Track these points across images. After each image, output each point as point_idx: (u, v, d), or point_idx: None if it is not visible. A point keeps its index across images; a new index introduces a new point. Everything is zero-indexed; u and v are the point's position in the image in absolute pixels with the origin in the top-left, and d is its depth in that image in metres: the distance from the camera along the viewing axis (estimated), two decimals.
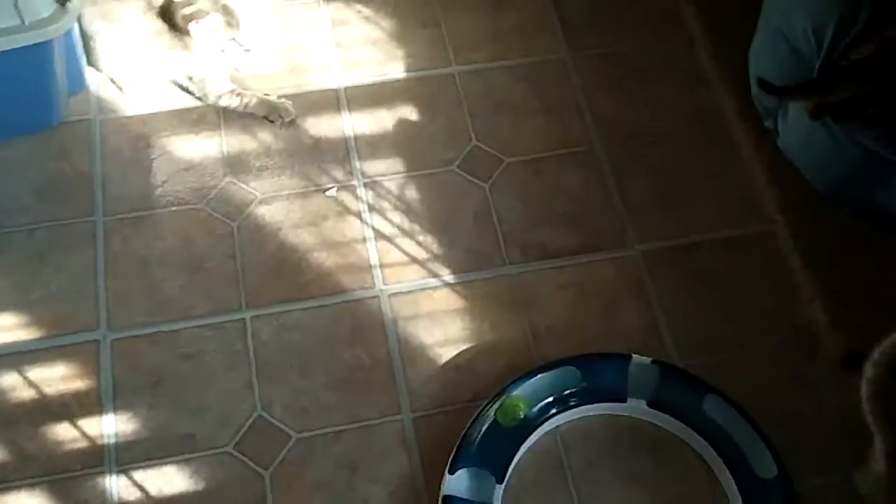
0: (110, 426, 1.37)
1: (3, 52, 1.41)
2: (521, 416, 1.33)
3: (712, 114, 1.70)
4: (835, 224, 1.55)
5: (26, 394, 1.39)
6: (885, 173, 1.48)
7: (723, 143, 1.67)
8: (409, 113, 1.69)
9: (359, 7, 1.81)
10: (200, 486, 1.33)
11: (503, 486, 1.29)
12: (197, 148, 1.63)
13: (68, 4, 1.42)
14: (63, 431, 1.36)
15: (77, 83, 1.66)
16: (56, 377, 1.40)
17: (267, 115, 1.64)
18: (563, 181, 1.63)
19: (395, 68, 1.74)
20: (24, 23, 1.39)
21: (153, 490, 1.32)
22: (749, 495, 1.29)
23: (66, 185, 1.58)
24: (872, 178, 1.50)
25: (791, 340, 1.47)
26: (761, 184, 1.62)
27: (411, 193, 1.60)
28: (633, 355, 1.40)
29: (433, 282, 1.51)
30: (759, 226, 1.59)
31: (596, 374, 1.38)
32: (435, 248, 1.54)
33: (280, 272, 1.51)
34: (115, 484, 1.33)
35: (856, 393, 1.37)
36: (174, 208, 1.57)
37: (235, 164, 1.62)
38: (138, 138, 1.64)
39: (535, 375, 1.37)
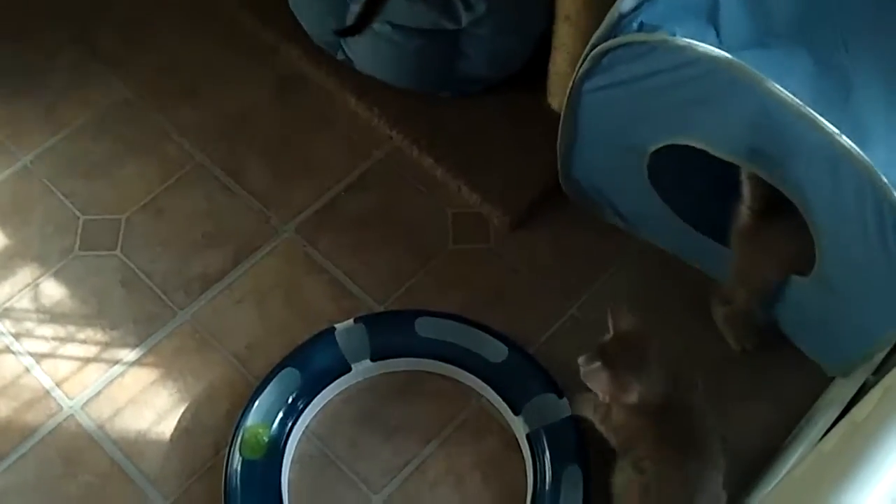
0: None
1: None
2: (266, 441, 1.30)
3: (289, 74, 1.71)
4: (441, 113, 1.62)
5: None
6: (458, 45, 1.55)
7: (314, 96, 1.69)
8: (3, 225, 1.56)
9: None
10: None
11: None
12: None
13: None
14: None
15: None
16: None
17: None
18: (187, 206, 1.58)
19: None
20: None
21: None
22: (496, 383, 1.35)
23: None
24: (450, 55, 1.57)
25: (461, 232, 1.54)
26: (364, 113, 1.65)
27: (49, 300, 1.49)
28: (335, 325, 1.40)
29: (117, 369, 1.43)
30: (381, 149, 1.63)
31: (311, 362, 1.37)
32: (101, 336, 1.46)
33: None
34: None
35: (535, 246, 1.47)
36: None
37: None
38: None
39: (258, 397, 1.34)
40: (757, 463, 1.31)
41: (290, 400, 1.33)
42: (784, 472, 1.18)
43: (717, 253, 1.36)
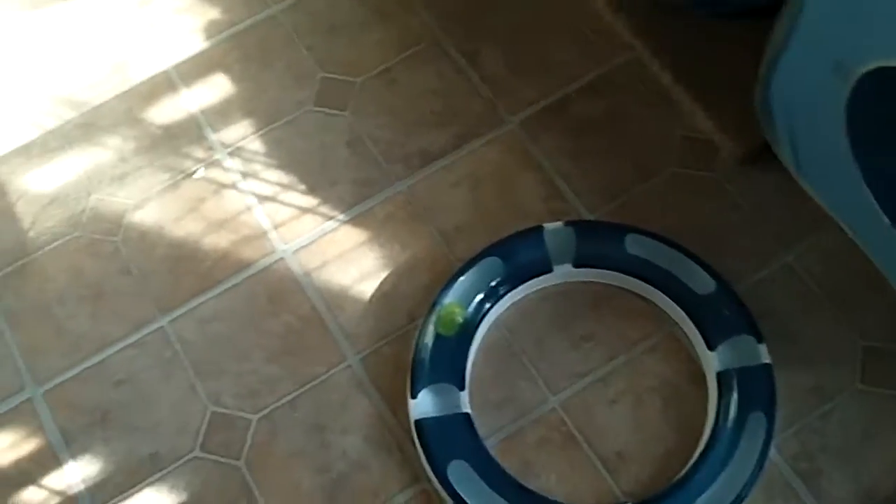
0: (75, 474, 1.34)
1: None
2: (461, 321, 1.34)
3: None
4: (689, 31, 1.56)
5: None
6: None
7: None
8: (246, 68, 1.64)
9: None
10: (182, 497, 1.32)
11: (466, 391, 1.31)
12: (52, 178, 1.56)
13: None
14: (32, 496, 1.34)
15: None
16: (3, 447, 1.36)
17: None
18: (419, 81, 1.60)
19: (215, 29, 1.68)
20: None
21: None
22: (696, 314, 1.33)
23: None
24: None
25: (687, 155, 1.50)
26: (608, 16, 1.62)
27: (277, 147, 1.56)
28: (544, 225, 1.41)
29: (331, 224, 1.49)
30: (619, 57, 1.59)
31: (515, 255, 1.38)
32: (320, 191, 1.52)
33: (179, 269, 1.47)
34: None
35: (762, 185, 1.42)
36: (53, 245, 1.51)
37: (96, 180, 1.56)
38: None
39: (459, 278, 1.37)
40: None
41: (489, 287, 1.36)
42: None
43: None
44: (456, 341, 1.33)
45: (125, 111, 1.62)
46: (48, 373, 1.41)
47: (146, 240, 1.50)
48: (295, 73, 1.62)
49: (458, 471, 1.25)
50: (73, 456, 1.36)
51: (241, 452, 1.34)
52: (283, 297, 1.44)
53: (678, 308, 1.33)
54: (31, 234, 1.52)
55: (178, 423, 1.37)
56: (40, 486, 1.34)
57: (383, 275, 1.44)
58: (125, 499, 1.33)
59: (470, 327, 1.34)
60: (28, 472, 1.36)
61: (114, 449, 1.36)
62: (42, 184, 1.56)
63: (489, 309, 1.36)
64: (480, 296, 1.36)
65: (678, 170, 1.49)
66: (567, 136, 1.53)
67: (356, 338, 1.40)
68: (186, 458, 1.34)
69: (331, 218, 1.50)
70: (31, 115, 1.62)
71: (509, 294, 1.37)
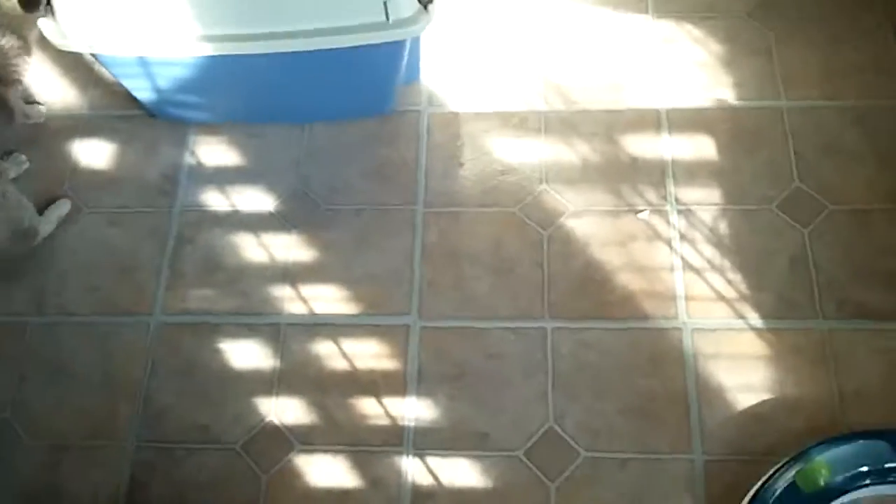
0: (412, 410, 1.45)
1: (365, 45, 1.50)
2: (822, 484, 1.29)
3: None
4: None
5: (340, 364, 1.49)
6: None
7: None
8: (731, 143, 1.65)
9: (689, 27, 1.78)
10: (489, 484, 1.38)
11: None
12: (516, 152, 1.68)
13: (430, 6, 1.48)
14: (369, 406, 1.46)
15: (413, 74, 1.74)
16: (367, 353, 1.50)
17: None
18: (891, 238, 1.54)
19: (720, 94, 1.70)
20: (388, 21, 1.47)
21: (444, 479, 1.39)
22: None
23: (392, 172, 1.67)
24: None
25: None
26: None
27: (725, 227, 1.57)
28: None
29: (739, 323, 1.48)
30: None
31: None
32: (744, 288, 1.51)
33: (584, 288, 1.53)
34: (410, 466, 1.40)
35: None
36: (489, 209, 1.62)
37: (551, 173, 1.65)
38: (462, 135, 1.70)
39: (843, 443, 1.31)
40: None
41: (867, 467, 1.29)
42: None
43: None
44: (807, 500, 1.28)
45: (606, 126, 1.69)
46: (433, 313, 1.53)
47: (569, 246, 1.57)
48: (773, 170, 1.62)
49: None
50: (418, 394, 1.46)
51: (557, 478, 1.38)
52: (662, 363, 1.45)
53: None
54: (475, 190, 1.65)
55: (517, 419, 1.43)
56: (378, 402, 1.47)
57: (764, 397, 1.41)
58: (440, 456, 1.41)
59: (828, 495, 1.28)
60: (375, 384, 1.48)
61: (454, 409, 1.45)
62: (505, 153, 1.68)
63: (854, 487, 1.29)
64: (853, 471, 1.29)
65: None
66: None
67: (710, 439, 1.39)
68: (509, 453, 1.41)
69: (742, 317, 1.48)
70: (526, 91, 1.75)
71: (882, 486, 1.29)
